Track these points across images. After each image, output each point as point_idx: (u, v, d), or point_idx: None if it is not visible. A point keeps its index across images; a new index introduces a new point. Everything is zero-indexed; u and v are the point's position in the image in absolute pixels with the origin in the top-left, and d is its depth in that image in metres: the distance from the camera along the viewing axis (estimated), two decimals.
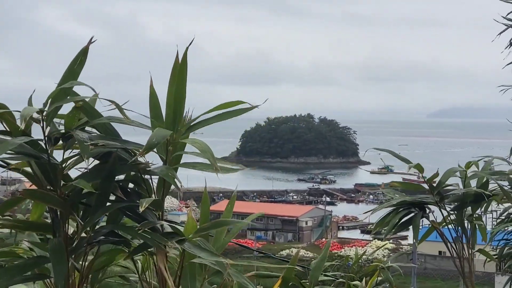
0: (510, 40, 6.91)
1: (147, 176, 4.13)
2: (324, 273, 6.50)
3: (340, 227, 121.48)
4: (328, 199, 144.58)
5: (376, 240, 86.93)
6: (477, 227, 6.55)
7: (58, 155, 3.92)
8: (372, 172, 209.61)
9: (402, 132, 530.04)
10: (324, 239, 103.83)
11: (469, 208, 6.43)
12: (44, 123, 3.81)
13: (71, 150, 3.95)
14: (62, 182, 3.89)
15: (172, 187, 4.11)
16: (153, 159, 4.08)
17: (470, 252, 6.46)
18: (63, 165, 3.91)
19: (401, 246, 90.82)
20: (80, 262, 4.08)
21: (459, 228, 6.42)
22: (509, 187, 6.92)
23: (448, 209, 6.42)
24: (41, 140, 3.83)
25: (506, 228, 7.53)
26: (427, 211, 6.47)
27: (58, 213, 3.91)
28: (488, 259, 7.29)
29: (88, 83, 3.87)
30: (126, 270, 5.05)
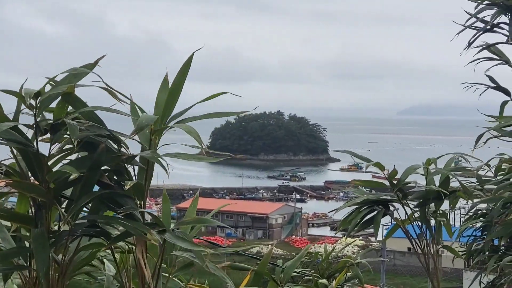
0: (469, 41, 6.97)
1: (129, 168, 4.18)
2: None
3: (310, 224, 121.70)
4: (298, 196, 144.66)
5: (345, 237, 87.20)
6: (442, 223, 6.61)
7: (44, 149, 3.95)
8: (342, 169, 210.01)
9: (372, 130, 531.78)
10: (294, 236, 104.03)
11: (433, 204, 6.48)
12: (37, 110, 3.85)
13: (57, 143, 3.98)
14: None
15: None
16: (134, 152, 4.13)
17: (435, 248, 6.51)
18: (49, 158, 3.94)
19: (370, 243, 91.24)
20: (60, 256, 4.10)
21: (424, 225, 6.47)
22: (477, 183, 6.99)
23: (412, 206, 6.47)
24: (31, 127, 3.85)
25: (474, 225, 7.59)
26: (391, 208, 6.52)
27: (41, 205, 3.92)
28: (455, 256, 7.37)
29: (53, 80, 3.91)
30: (94, 268, 5.06)
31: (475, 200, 6.83)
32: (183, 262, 5.08)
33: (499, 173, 7.06)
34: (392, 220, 6.79)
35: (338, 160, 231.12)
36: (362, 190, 6.89)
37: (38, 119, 3.90)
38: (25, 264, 4.10)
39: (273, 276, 6.00)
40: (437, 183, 6.49)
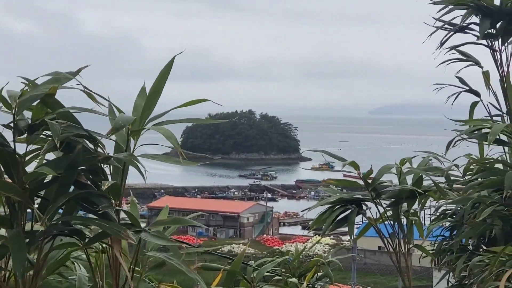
0: (441, 41, 7.03)
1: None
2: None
3: (282, 223, 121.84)
4: (269, 195, 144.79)
5: (316, 236, 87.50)
6: (413, 222, 6.66)
7: (20, 149, 3.95)
8: (313, 169, 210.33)
9: (343, 129, 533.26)
10: (265, 235, 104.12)
11: (405, 204, 6.53)
12: (17, 109, 3.84)
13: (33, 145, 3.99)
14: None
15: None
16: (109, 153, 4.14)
17: (406, 247, 6.56)
18: (25, 158, 3.94)
19: (341, 242, 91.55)
20: (34, 256, 4.10)
21: (396, 223, 6.51)
22: (446, 183, 7.05)
23: (384, 205, 6.52)
24: (9, 126, 3.85)
25: (443, 224, 7.65)
26: (364, 207, 6.56)
27: (16, 205, 3.91)
28: (424, 255, 7.43)
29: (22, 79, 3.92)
30: (65, 268, 5.05)
31: (441, 201, 6.88)
32: (155, 262, 5.10)
33: (467, 173, 7.13)
34: (363, 219, 6.84)
35: (310, 159, 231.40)
36: (334, 189, 6.91)
37: (16, 119, 3.89)
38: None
39: (245, 276, 6.02)
40: (409, 182, 6.54)
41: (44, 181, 3.97)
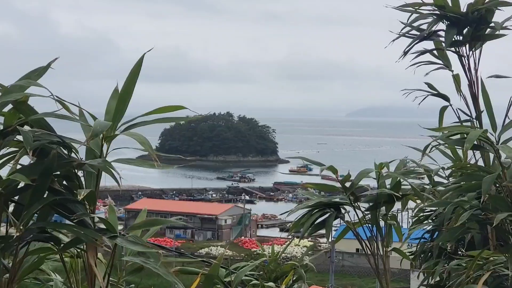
0: (404, 50, 7.07)
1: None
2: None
3: (259, 226, 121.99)
4: (247, 197, 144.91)
5: (295, 238, 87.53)
6: (392, 226, 6.68)
7: None
8: (291, 171, 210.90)
9: (321, 131, 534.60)
10: (243, 237, 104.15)
11: (383, 207, 6.55)
12: None
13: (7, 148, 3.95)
14: None
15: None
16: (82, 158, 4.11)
17: (385, 250, 6.57)
18: None
19: (319, 244, 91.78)
20: (9, 262, 4.06)
21: (374, 227, 6.53)
22: (430, 185, 7.08)
23: (363, 209, 6.53)
24: None
25: (424, 227, 7.68)
26: (343, 211, 6.57)
27: None
28: (403, 258, 7.45)
29: None
30: (41, 272, 5.02)
31: (420, 204, 6.91)
32: (133, 266, 5.07)
33: (451, 176, 7.17)
34: (341, 222, 6.85)
35: (287, 162, 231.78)
36: (312, 192, 6.93)
37: None
38: None
39: (224, 280, 5.99)
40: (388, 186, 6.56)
41: (19, 187, 3.93)
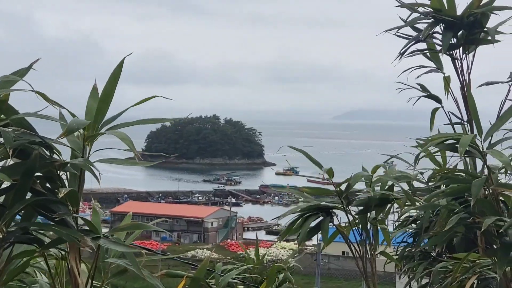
0: (400, 51, 7.05)
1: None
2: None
3: (246, 228, 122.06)
4: (233, 200, 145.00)
5: (280, 241, 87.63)
6: (380, 230, 6.68)
7: None
8: (278, 174, 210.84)
9: (308, 134, 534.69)
10: (229, 240, 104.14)
11: (373, 212, 6.55)
12: None
13: None
14: None
15: None
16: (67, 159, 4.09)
17: (372, 253, 6.57)
18: None
19: (305, 247, 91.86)
20: None
21: (363, 231, 6.53)
22: (410, 191, 7.07)
23: (353, 212, 6.52)
24: None
25: (406, 230, 7.69)
26: (333, 215, 6.56)
27: None
28: (388, 261, 7.47)
29: None
30: (27, 274, 4.99)
31: (405, 208, 6.91)
32: (118, 268, 5.04)
33: (431, 179, 7.16)
34: (330, 225, 6.83)
35: (274, 164, 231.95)
36: (300, 195, 6.90)
37: None
38: None
39: (211, 283, 5.97)
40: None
41: (0, 187, 3.91)
